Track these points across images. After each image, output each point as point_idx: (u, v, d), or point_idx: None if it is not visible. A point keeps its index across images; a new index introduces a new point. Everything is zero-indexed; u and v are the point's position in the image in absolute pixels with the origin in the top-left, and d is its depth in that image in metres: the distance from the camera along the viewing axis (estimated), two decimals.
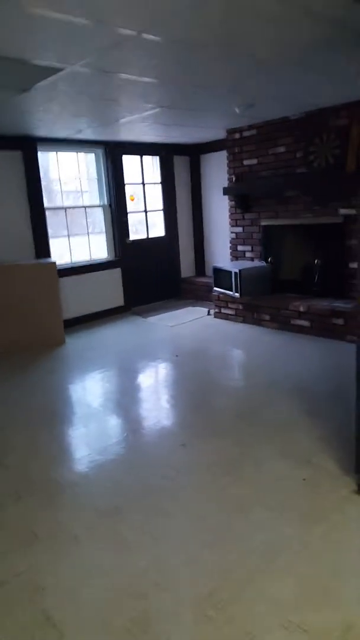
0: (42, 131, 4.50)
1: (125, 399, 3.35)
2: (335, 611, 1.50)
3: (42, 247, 5.01)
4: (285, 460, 2.35)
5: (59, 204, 5.31)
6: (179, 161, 6.18)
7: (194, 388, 3.43)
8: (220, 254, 6.12)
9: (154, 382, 3.75)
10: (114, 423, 3.01)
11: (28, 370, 4.00)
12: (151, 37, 2.20)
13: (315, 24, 2.19)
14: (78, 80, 2.84)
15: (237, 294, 4.79)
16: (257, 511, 2.00)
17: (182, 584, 1.66)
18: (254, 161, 4.95)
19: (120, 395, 3.43)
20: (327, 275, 4.46)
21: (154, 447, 2.62)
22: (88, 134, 4.84)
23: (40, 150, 4.90)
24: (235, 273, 4.73)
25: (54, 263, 4.60)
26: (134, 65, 2.63)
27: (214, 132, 5.18)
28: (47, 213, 5.04)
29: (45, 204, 5.00)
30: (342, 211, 4.19)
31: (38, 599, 1.64)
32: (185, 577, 1.69)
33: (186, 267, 6.51)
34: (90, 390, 3.58)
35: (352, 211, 4.11)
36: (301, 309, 4.30)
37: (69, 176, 5.44)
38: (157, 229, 6.27)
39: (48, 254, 5.06)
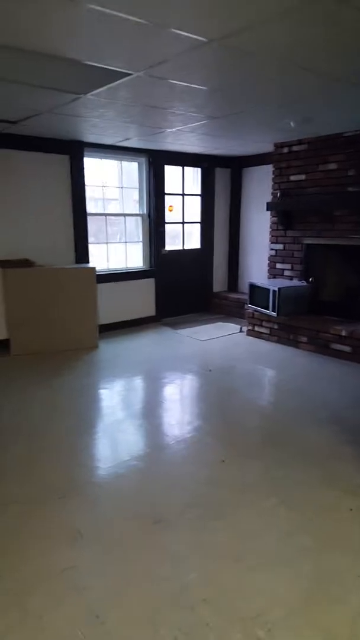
0: (91, 137, 4.68)
1: (159, 410, 3.40)
2: None
3: (82, 252, 5.16)
4: (330, 489, 2.35)
5: (99, 210, 5.46)
6: (220, 173, 6.31)
7: (227, 405, 3.45)
8: (255, 271, 6.18)
9: (187, 395, 3.79)
10: (151, 431, 3.05)
11: (63, 372, 4.09)
12: (218, 44, 2.27)
13: None
14: (138, 86, 2.97)
15: (274, 313, 4.82)
16: (305, 537, 2.00)
17: (230, 601, 1.67)
18: (302, 177, 5.03)
19: (153, 406, 3.47)
20: (348, 298, 4.46)
21: (193, 462, 2.64)
22: (134, 142, 5.01)
23: (87, 157, 5.08)
24: (274, 291, 4.77)
25: (94, 268, 4.74)
26: (195, 73, 2.72)
27: (259, 145, 5.30)
28: (88, 219, 5.19)
29: (87, 210, 5.16)
30: None
31: (84, 596, 1.67)
32: (233, 596, 1.70)
33: (219, 281, 6.58)
34: (124, 397, 3.64)
35: None
36: (343, 333, 4.30)
37: (111, 183, 5.61)
38: (193, 241, 6.38)
39: (87, 260, 5.20)
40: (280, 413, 3.30)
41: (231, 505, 2.22)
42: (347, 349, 4.29)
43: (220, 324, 5.92)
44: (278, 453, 2.71)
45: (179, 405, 3.57)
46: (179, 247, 6.21)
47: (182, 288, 6.21)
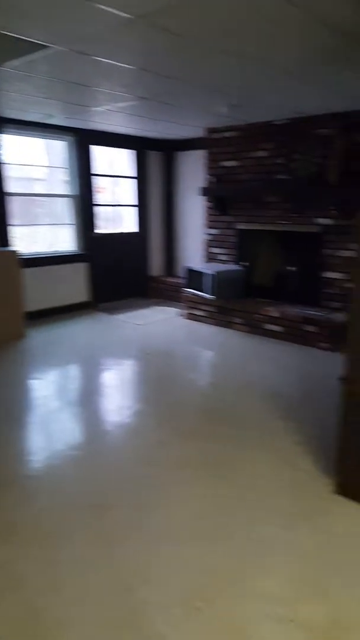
0: (11, 112, 4.41)
1: (97, 396, 3.35)
2: (323, 604, 1.60)
3: (1, 235, 4.87)
4: (267, 461, 2.46)
5: (23, 190, 5.19)
6: (153, 156, 6.24)
7: (167, 387, 3.48)
8: (191, 255, 6.23)
9: (126, 379, 3.77)
10: (88, 419, 3.00)
11: None
12: (145, 23, 2.22)
13: (317, 31, 2.34)
14: (60, 61, 2.81)
15: (211, 296, 4.90)
16: (243, 511, 2.08)
17: (171, 579, 1.70)
18: (234, 163, 5.10)
19: (92, 392, 3.42)
20: (301, 283, 4.67)
21: (132, 444, 2.64)
22: (60, 120, 4.80)
23: (6, 133, 4.78)
24: (211, 275, 4.84)
25: (15, 252, 4.50)
26: (124, 51, 2.64)
27: (192, 129, 5.30)
28: (9, 199, 4.90)
29: (8, 190, 4.87)
30: (320, 221, 4.42)
31: (22, 591, 1.62)
32: (174, 573, 1.73)
33: (156, 265, 6.56)
34: (58, 386, 3.54)
35: (329, 222, 4.34)
36: (274, 314, 4.47)
37: (37, 162, 5.35)
38: (128, 225, 6.29)
39: (8, 243, 4.93)
40: (218, 392, 3.38)
41: (168, 486, 2.25)
42: (278, 329, 4.47)
43: (158, 307, 5.92)
44: (216, 430, 2.78)
45: (117, 390, 3.54)
46: (113, 231, 6.09)
47: (118, 272, 6.12)
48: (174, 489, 2.22)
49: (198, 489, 2.22)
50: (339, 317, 4.18)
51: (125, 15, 2.12)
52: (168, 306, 5.96)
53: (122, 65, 2.88)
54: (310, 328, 4.22)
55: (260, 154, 4.83)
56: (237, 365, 3.91)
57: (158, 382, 3.61)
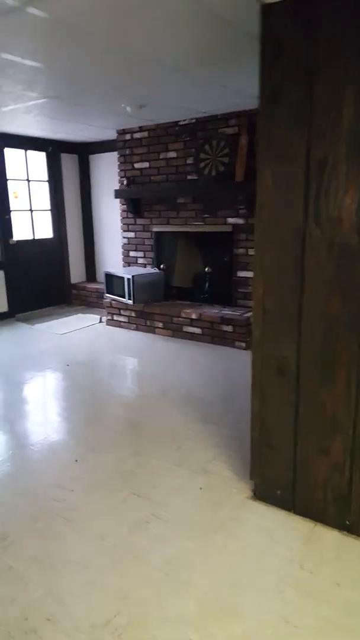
0: None
1: (11, 412, 3.12)
2: (236, 624, 1.55)
3: None
4: (182, 470, 2.40)
5: None
6: (68, 159, 6.00)
7: (87, 399, 3.33)
8: (111, 259, 6.07)
9: (43, 394, 3.55)
10: None
11: None
12: (36, 11, 2.07)
13: (206, 24, 2.30)
14: None
15: (129, 301, 4.79)
16: (156, 526, 2.00)
17: (78, 613, 1.58)
18: (146, 165, 5.02)
19: (4, 408, 3.18)
20: (217, 283, 4.69)
21: (44, 465, 2.47)
22: None
23: None
24: (128, 279, 4.73)
25: None
26: (17, 44, 2.47)
27: (104, 131, 5.14)
28: None
29: None
30: (231, 220, 4.45)
31: None
32: (81, 605, 1.61)
33: (76, 272, 6.33)
34: None
35: (240, 220, 4.39)
36: (193, 316, 4.46)
37: None
38: (45, 230, 6.00)
39: None
40: (139, 400, 3.29)
41: (81, 507, 2.12)
42: (197, 330, 4.46)
43: (80, 315, 5.71)
44: (133, 442, 2.68)
45: (34, 406, 3.33)
46: (30, 237, 5.77)
47: (37, 280, 5.82)
48: (85, 513, 2.09)
49: (111, 512, 2.11)
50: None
51: (9, 2, 1.95)
52: (90, 313, 5.77)
53: (18, 60, 2.68)
54: (228, 328, 4.25)
55: (171, 154, 4.79)
56: (158, 371, 3.83)
57: (77, 394, 3.44)
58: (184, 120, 4.58)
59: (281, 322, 1.94)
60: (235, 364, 3.86)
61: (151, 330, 4.84)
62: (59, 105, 3.87)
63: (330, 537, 1.93)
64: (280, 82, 1.73)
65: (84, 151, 6.03)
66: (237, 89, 3.39)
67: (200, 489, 2.25)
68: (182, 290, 4.99)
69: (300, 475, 2.03)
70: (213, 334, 4.36)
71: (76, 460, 2.51)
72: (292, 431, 2.01)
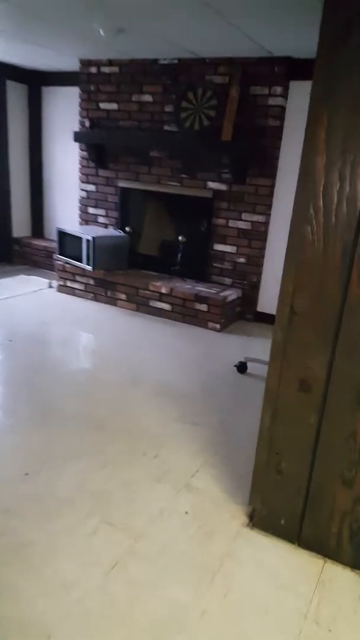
0: None
1: None
2: None
3: None
4: (162, 487, 2.04)
5: None
6: (14, 89, 5.12)
7: (35, 387, 2.83)
8: (65, 214, 5.39)
9: None
10: None
11: None
12: None
13: None
14: None
15: (88, 266, 4.23)
16: (138, 568, 1.64)
17: None
18: (114, 106, 4.36)
19: None
20: (190, 255, 4.27)
21: None
22: None
23: None
24: (88, 240, 4.16)
25: None
26: None
27: (64, 59, 4.37)
28: None
29: None
30: (212, 185, 3.99)
31: None
32: None
33: (20, 224, 5.57)
34: None
35: (222, 186, 3.94)
36: (163, 290, 4.02)
37: None
38: None
39: None
40: (102, 390, 2.85)
41: (36, 542, 1.71)
42: (167, 307, 4.04)
43: (23, 277, 5.05)
44: (99, 447, 2.27)
45: None
46: None
47: None
48: (42, 551, 1.68)
49: (77, 548, 1.72)
50: (230, 294, 3.89)
51: None
52: (36, 275, 5.12)
53: None
54: (202, 307, 3.87)
55: (146, 98, 4.17)
56: (122, 352, 3.39)
57: (23, 380, 2.93)
58: (165, 59, 3.95)
59: (313, 326, 1.59)
60: (211, 349, 3.51)
61: (112, 302, 4.34)
62: (7, 13, 3.10)
63: (344, 579, 1.69)
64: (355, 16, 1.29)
65: (35, 81, 5.16)
66: (252, 32, 2.86)
67: (187, 513, 1.91)
68: (149, 259, 4.51)
69: (312, 505, 1.75)
70: (184, 312, 3.97)
71: (26, 474, 2.06)
72: (309, 456, 1.71)
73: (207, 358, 3.35)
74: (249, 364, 3.10)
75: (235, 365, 3.11)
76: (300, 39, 3.02)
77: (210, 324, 3.86)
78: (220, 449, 2.31)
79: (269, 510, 1.83)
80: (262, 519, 1.85)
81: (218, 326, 3.83)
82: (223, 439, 2.38)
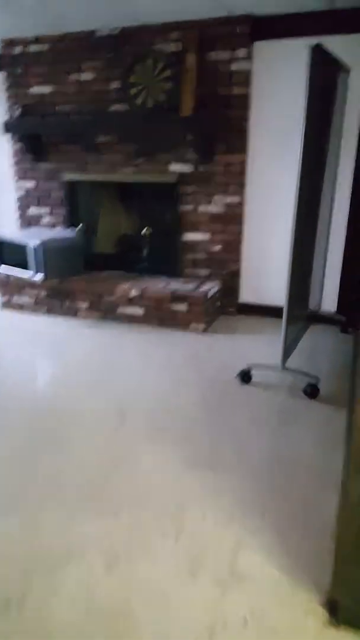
0: None
1: None
2: None
3: None
4: (199, 583, 1.47)
5: None
6: None
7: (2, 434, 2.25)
8: (1, 218, 4.72)
9: None
10: None
11: None
12: None
13: None
14: None
15: (37, 276, 3.65)
16: None
17: None
18: (48, 89, 3.83)
19: None
20: (159, 249, 3.81)
21: None
22: None
23: None
24: (35, 247, 3.58)
25: None
26: None
27: None
28: None
29: None
30: (175, 167, 3.57)
31: None
32: None
33: None
34: None
35: (187, 168, 3.54)
36: (132, 293, 3.52)
37: None
38: None
39: None
40: (79, 436, 2.30)
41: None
42: (139, 311, 3.55)
43: None
44: (98, 533, 1.75)
45: None
46: None
47: None
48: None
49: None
50: (210, 288, 3.48)
51: None
52: None
53: None
54: (181, 307, 3.42)
55: (86, 76, 3.67)
56: (95, 376, 2.85)
57: None
58: (104, 29, 3.49)
59: None
60: (200, 355, 3.07)
61: (71, 313, 3.77)
62: None
63: None
64: None
65: None
66: None
67: (246, 621, 1.34)
68: (110, 259, 4.00)
69: None
70: (161, 315, 3.49)
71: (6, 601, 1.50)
72: None
73: (199, 368, 2.89)
74: (248, 369, 2.69)
75: (237, 375, 2.69)
76: None
77: (193, 325, 3.42)
78: (255, 504, 1.78)
79: None
80: (353, 613, 1.36)
81: (202, 327, 3.40)
82: (253, 487, 1.87)
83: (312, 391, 2.51)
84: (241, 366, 2.74)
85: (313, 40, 2.95)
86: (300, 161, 2.23)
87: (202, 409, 2.42)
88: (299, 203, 2.31)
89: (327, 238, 3.29)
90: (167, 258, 3.77)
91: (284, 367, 2.62)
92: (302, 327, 3.06)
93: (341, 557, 1.35)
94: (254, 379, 2.69)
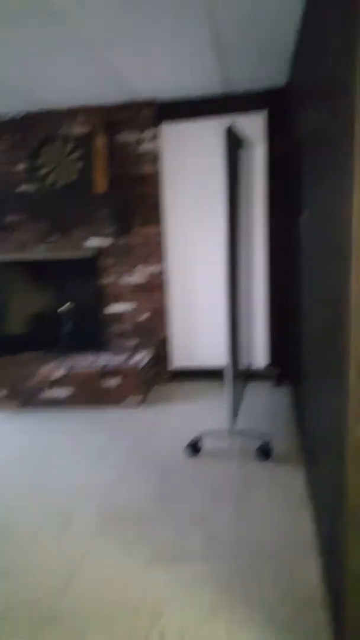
0: None
1: None
2: None
3: None
4: None
5: None
6: None
7: None
8: None
9: None
10: None
11: None
12: None
13: None
14: None
15: None
16: None
17: None
18: None
19: None
20: (81, 324, 3.65)
21: None
22: None
23: None
24: None
25: None
26: None
27: None
28: None
29: None
30: (92, 242, 3.55)
31: None
32: None
33: None
34: None
35: (106, 241, 3.53)
36: (57, 373, 3.27)
37: None
38: None
39: None
40: (21, 551, 1.96)
41: None
42: (65, 393, 3.28)
43: None
44: None
45: None
46: None
47: None
48: None
49: None
50: (142, 359, 3.36)
51: None
52: None
53: None
54: (113, 382, 3.23)
55: None
56: (25, 475, 2.51)
57: None
58: (8, 113, 3.53)
59: None
60: (141, 432, 2.86)
61: None
62: None
63: None
64: None
65: None
66: (116, 72, 2.63)
67: None
68: (24, 340, 3.73)
69: None
70: (91, 394, 3.26)
71: None
72: None
73: (143, 447, 2.68)
74: (197, 440, 2.56)
75: (186, 447, 2.54)
76: (169, 79, 2.94)
77: (128, 400, 3.24)
78: (235, 588, 1.60)
79: None
80: None
81: (138, 400, 3.22)
82: (227, 571, 1.69)
83: (265, 452, 2.42)
84: (187, 437, 2.60)
85: (215, 120, 3.28)
86: (226, 229, 2.31)
87: (155, 494, 2.19)
88: (229, 268, 2.36)
89: (252, 297, 3.41)
90: (91, 332, 3.62)
91: (233, 430, 2.53)
92: (241, 386, 3.04)
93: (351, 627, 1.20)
94: (203, 448, 2.55)
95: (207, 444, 2.59)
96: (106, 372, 3.22)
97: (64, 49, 2.46)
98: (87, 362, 3.36)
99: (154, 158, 3.40)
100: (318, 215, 1.73)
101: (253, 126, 3.29)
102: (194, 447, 2.51)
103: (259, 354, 3.55)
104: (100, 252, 3.54)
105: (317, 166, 1.73)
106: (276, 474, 2.28)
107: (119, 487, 2.25)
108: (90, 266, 3.56)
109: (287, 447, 2.53)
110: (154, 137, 3.37)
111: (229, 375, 2.46)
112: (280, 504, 2.03)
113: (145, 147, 3.40)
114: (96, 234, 3.53)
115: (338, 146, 1.30)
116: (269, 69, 2.91)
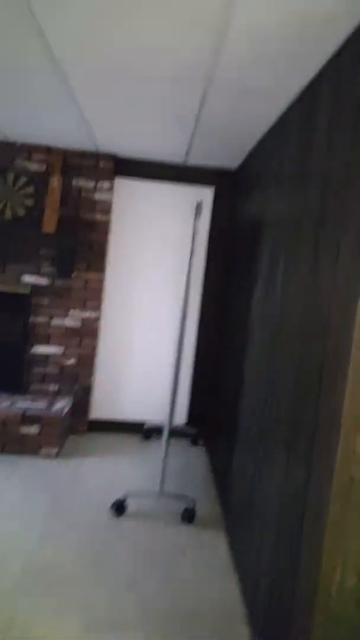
0: None
1: None
2: None
3: None
4: None
5: None
6: None
7: None
8: None
9: None
10: None
11: None
12: None
13: None
14: None
15: None
16: None
17: None
18: None
19: None
20: (2, 363, 3.46)
21: None
22: None
23: None
24: None
25: None
26: None
27: None
28: None
29: None
30: (29, 279, 3.45)
31: None
32: None
33: None
34: None
35: (43, 281, 3.46)
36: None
37: None
38: None
39: None
40: None
41: None
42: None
43: None
44: None
45: None
46: None
47: None
48: None
49: None
50: (64, 406, 3.26)
51: None
52: None
53: None
54: (31, 429, 3.07)
55: None
56: None
57: None
58: None
59: None
60: (57, 487, 2.73)
61: None
62: None
63: None
64: None
65: None
66: (77, 125, 2.73)
67: None
68: None
69: None
70: (4, 441, 3.05)
71: None
72: None
73: (65, 503, 2.56)
74: (122, 499, 2.53)
75: (111, 507, 2.49)
76: (136, 143, 3.11)
77: (44, 450, 3.08)
78: None
79: None
80: None
81: (55, 451, 3.09)
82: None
83: (189, 516, 2.47)
84: (109, 494, 2.55)
85: (167, 184, 3.49)
86: (184, 293, 2.44)
87: (82, 554, 2.11)
88: (181, 328, 2.47)
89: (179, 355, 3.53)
90: (9, 372, 3.44)
91: (162, 492, 2.54)
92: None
93: None
94: (128, 508, 2.52)
95: (132, 504, 2.57)
96: (26, 419, 3.06)
97: (42, 92, 2.50)
98: (4, 404, 3.17)
99: (107, 207, 3.49)
100: (287, 289, 1.93)
101: (201, 198, 3.57)
102: (120, 507, 2.47)
103: (179, 412, 3.64)
104: (36, 290, 3.45)
105: (285, 247, 1.95)
106: (201, 538, 2.33)
107: (44, 545, 2.12)
108: (23, 303, 3.44)
109: (208, 510, 2.60)
110: (111, 188, 3.48)
111: (165, 435, 2.50)
112: (207, 569, 2.07)
113: (100, 196, 3.48)
114: (36, 272, 3.45)
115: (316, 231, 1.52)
116: (229, 154, 3.22)
